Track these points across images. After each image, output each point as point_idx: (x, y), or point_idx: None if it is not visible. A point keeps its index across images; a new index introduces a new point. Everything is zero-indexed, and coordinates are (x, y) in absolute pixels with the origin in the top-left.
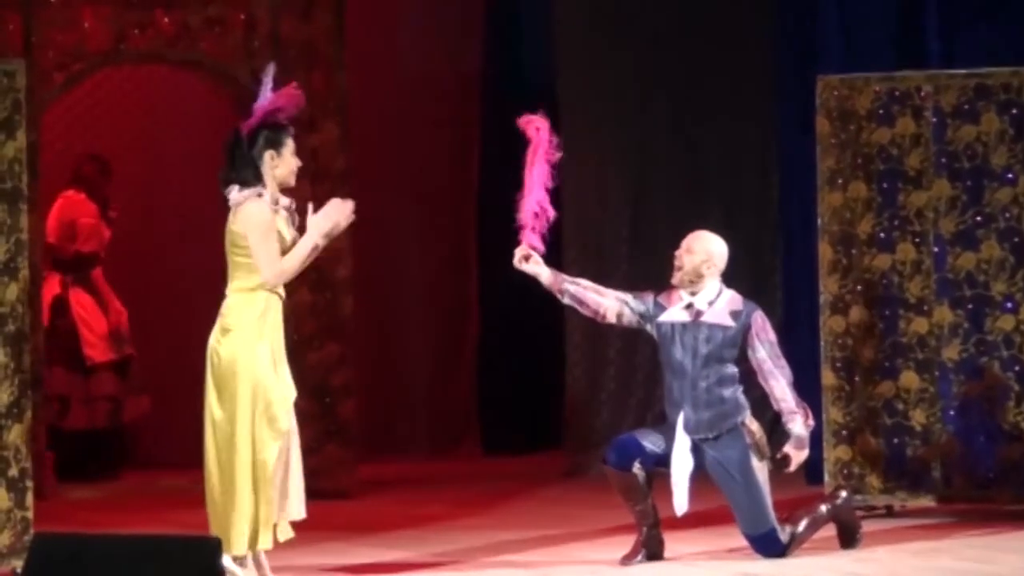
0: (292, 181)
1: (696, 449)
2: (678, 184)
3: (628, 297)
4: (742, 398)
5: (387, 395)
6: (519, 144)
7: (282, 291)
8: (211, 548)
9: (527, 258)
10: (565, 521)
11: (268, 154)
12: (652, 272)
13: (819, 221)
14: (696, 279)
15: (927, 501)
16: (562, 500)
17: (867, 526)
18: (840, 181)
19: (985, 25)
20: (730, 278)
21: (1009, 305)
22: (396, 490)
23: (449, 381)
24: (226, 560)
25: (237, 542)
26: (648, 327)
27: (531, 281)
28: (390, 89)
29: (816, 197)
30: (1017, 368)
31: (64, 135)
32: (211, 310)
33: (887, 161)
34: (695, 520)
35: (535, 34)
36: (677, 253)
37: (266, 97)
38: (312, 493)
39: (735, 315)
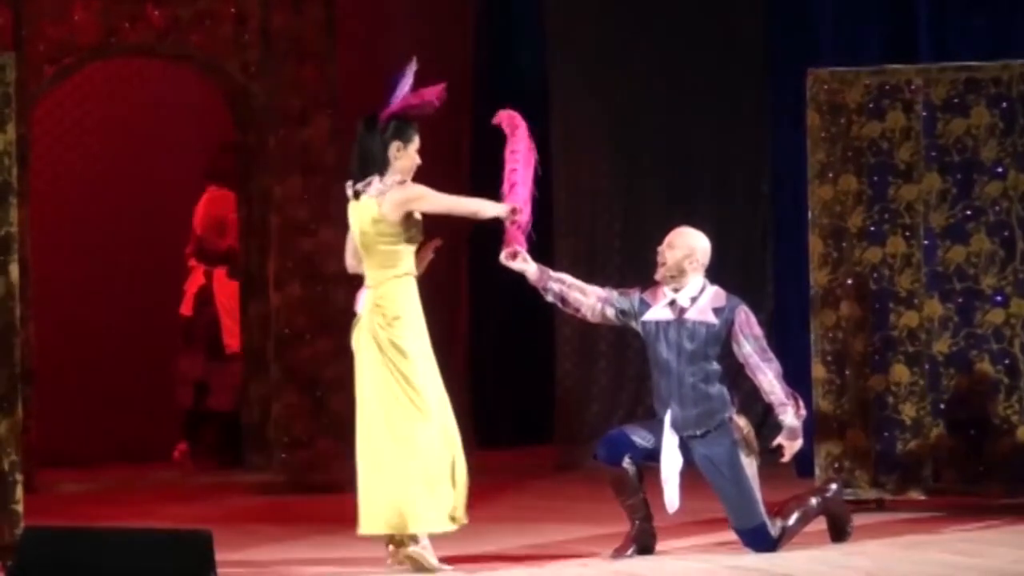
0: (409, 178)
1: (684, 445)
2: (670, 177)
3: (613, 295)
4: (727, 394)
5: None
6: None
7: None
8: (202, 541)
9: (514, 255)
10: (556, 514)
11: (395, 144)
12: (644, 266)
13: (809, 214)
14: (679, 275)
15: (917, 495)
16: (553, 493)
17: (857, 520)
18: (830, 175)
19: (976, 18)
20: (721, 271)
21: (999, 298)
22: None
23: (440, 374)
24: (414, 548)
25: (439, 519)
26: (633, 324)
27: (518, 277)
28: (381, 82)
29: (807, 191)
30: (1007, 361)
31: (54, 129)
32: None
33: (877, 155)
34: (686, 514)
35: (526, 29)
36: (660, 249)
37: (404, 91)
38: (304, 486)
39: (718, 311)
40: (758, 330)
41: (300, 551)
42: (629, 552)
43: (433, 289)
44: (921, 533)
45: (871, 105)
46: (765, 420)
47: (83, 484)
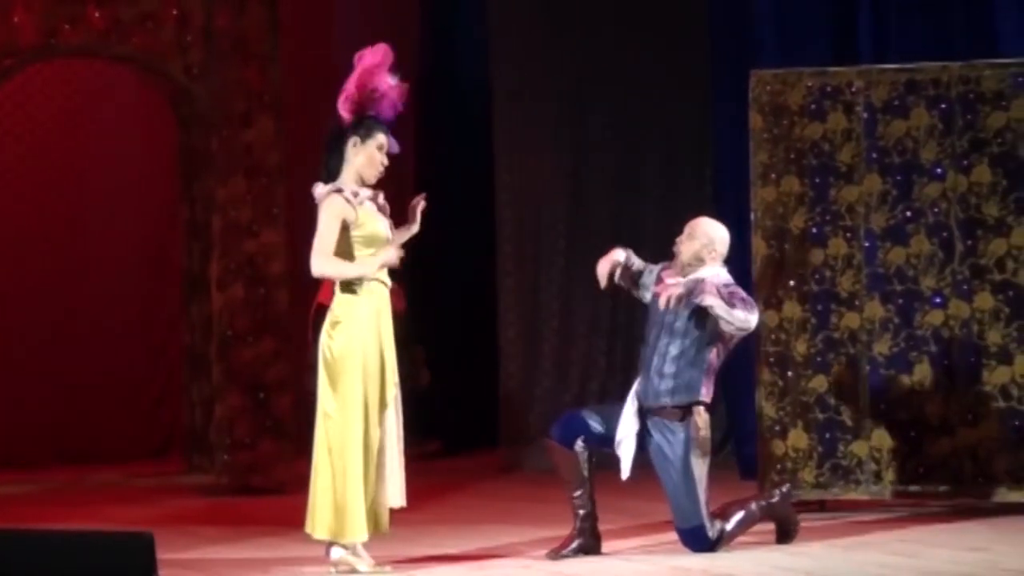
0: (372, 175)
1: (643, 427)
2: (614, 179)
3: (638, 262)
4: (700, 384)
5: None
6: (455, 142)
7: (387, 279)
8: (144, 543)
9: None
10: (500, 516)
11: (352, 140)
12: (588, 265)
13: (752, 216)
14: (697, 264)
15: (858, 495)
16: (497, 495)
17: (800, 522)
18: (773, 176)
19: (918, 20)
20: None
21: (937, 300)
22: None
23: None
24: (336, 552)
25: (351, 530)
26: (638, 294)
27: (461, 278)
28: (324, 84)
29: (749, 192)
30: (946, 363)
31: None
32: (138, 300)
33: (819, 156)
34: (632, 516)
35: (470, 31)
36: (678, 239)
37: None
38: (248, 488)
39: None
40: (728, 289)
41: (243, 552)
42: (567, 551)
43: None
44: (862, 534)
45: (813, 106)
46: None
47: (24, 486)
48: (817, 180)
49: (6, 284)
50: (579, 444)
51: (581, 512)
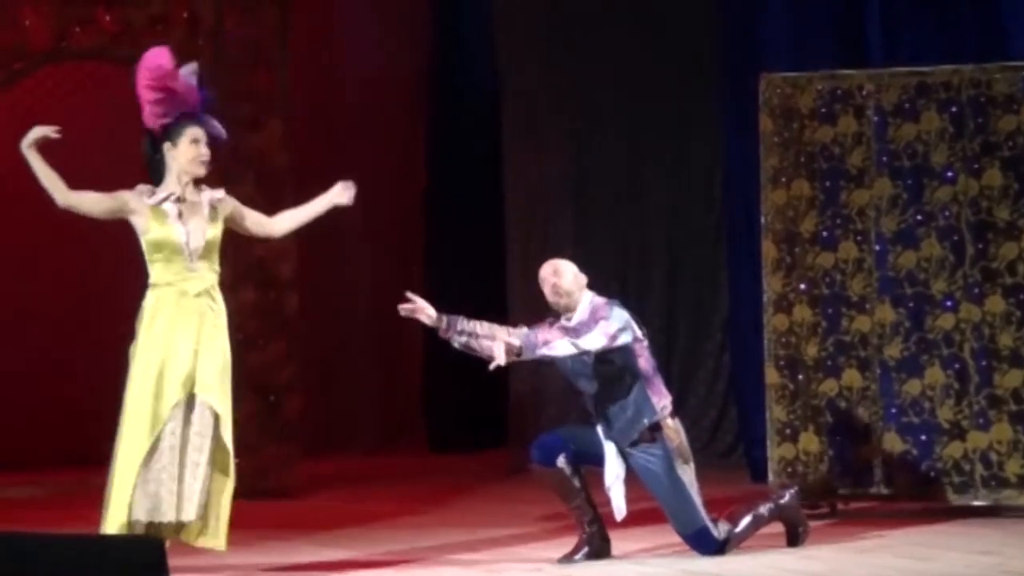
0: (197, 170)
1: (623, 453)
2: (622, 181)
3: (522, 331)
4: (647, 395)
5: (332, 393)
6: (465, 142)
7: (186, 283)
8: (154, 547)
9: (413, 310)
10: (510, 518)
11: (165, 145)
12: (594, 270)
13: (763, 219)
14: (578, 292)
15: (869, 499)
16: (507, 497)
17: (810, 524)
18: (783, 179)
19: (928, 22)
20: (676, 276)
21: (949, 303)
22: (340, 488)
23: (394, 378)
24: None
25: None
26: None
27: (472, 280)
28: (334, 86)
29: (760, 195)
30: (957, 366)
31: (3, 134)
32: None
33: (829, 160)
34: (640, 517)
35: (479, 30)
36: (551, 284)
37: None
38: (256, 492)
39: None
40: (596, 316)
41: (251, 557)
42: (578, 556)
43: (387, 294)
44: (874, 537)
45: (823, 110)
46: (720, 423)
47: (30, 488)
48: (827, 183)
49: (7, 285)
50: (560, 460)
51: (585, 518)
